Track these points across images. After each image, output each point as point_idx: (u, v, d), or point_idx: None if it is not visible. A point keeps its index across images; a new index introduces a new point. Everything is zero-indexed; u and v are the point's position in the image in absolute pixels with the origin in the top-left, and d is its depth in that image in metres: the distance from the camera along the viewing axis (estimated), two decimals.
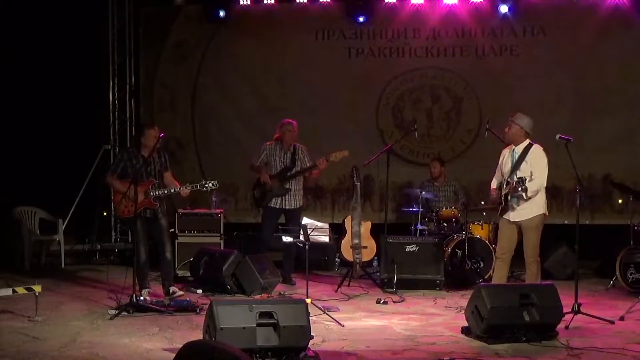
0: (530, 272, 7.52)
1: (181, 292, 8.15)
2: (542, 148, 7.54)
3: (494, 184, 7.79)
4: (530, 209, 7.41)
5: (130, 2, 11.16)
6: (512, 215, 7.48)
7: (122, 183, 7.94)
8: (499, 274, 7.60)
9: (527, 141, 7.52)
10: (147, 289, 8.06)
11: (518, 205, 7.41)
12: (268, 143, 9.02)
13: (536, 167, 7.39)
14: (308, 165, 8.91)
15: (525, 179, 7.15)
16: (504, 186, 7.48)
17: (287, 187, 8.89)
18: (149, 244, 8.19)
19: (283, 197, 8.89)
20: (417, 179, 10.54)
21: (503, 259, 7.60)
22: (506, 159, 7.62)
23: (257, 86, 11.19)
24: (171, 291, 8.08)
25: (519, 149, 7.50)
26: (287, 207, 8.91)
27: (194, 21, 11.27)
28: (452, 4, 10.76)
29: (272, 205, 8.92)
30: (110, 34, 11.12)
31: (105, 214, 11.13)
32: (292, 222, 8.73)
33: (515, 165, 7.45)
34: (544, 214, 7.51)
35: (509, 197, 7.42)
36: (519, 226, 7.50)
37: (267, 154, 8.97)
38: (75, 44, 10.64)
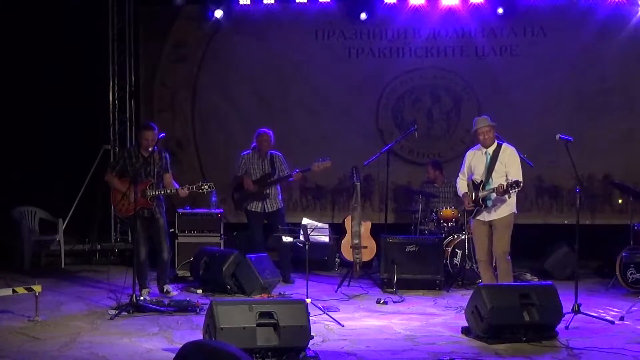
0: (502, 269, 7.44)
1: (175, 292, 8.26)
2: (513, 146, 7.53)
3: (462, 187, 7.72)
4: (504, 207, 7.42)
5: (130, 2, 11.15)
6: (487, 215, 7.48)
7: (121, 182, 8.01)
8: (487, 276, 7.56)
9: (496, 141, 7.53)
10: (147, 289, 8.09)
11: (493, 206, 7.41)
12: (245, 153, 9.19)
13: (512, 167, 7.39)
14: (286, 172, 9.09)
15: (520, 182, 7.14)
16: (480, 189, 7.43)
17: (267, 192, 9.05)
18: (149, 244, 8.22)
19: (263, 202, 9.06)
20: (417, 179, 10.54)
21: (485, 260, 7.57)
22: (476, 160, 7.58)
23: (257, 86, 11.18)
24: (165, 289, 8.20)
25: (491, 150, 7.49)
26: (268, 211, 9.11)
27: (194, 21, 11.26)
28: (452, 5, 10.73)
29: (253, 210, 9.11)
30: (110, 34, 11.12)
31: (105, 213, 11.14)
32: (276, 222, 8.90)
33: (490, 167, 7.43)
34: (514, 213, 7.51)
35: (486, 200, 7.41)
36: (490, 225, 7.49)
37: (245, 163, 9.15)
38: (76, 44, 10.63)
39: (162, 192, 8.05)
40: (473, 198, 7.51)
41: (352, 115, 11.07)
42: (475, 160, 7.60)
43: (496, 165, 7.42)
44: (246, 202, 9.12)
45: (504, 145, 7.51)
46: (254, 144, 9.15)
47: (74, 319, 7.12)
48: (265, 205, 9.08)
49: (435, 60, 11.01)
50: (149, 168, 8.03)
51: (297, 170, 9.02)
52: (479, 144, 7.58)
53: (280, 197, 9.20)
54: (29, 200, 10.31)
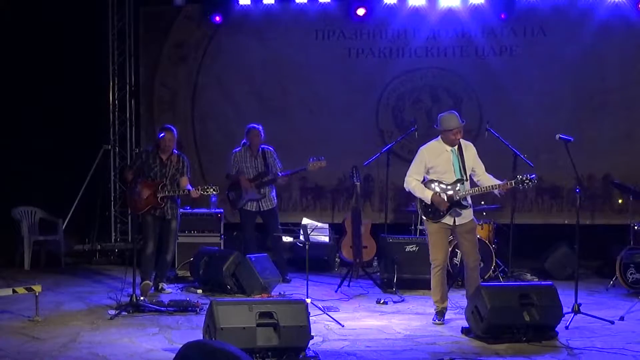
0: (475, 278, 7.04)
1: (169, 290, 8.41)
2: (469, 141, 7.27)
3: (420, 188, 7.06)
4: (470, 210, 7.06)
5: (130, 2, 11.15)
6: (457, 219, 6.98)
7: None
8: (442, 286, 7.09)
9: None
10: (148, 282, 8.17)
11: (466, 209, 6.98)
12: (236, 150, 9.19)
13: (479, 164, 7.09)
14: (278, 170, 9.01)
15: (535, 178, 6.83)
16: (456, 187, 6.94)
17: (262, 192, 9.04)
18: (157, 242, 8.36)
19: (258, 201, 9.04)
20: None
21: (444, 267, 7.14)
22: (439, 159, 7.05)
23: (257, 86, 11.18)
24: (160, 287, 8.35)
25: (455, 147, 7.07)
26: (263, 209, 9.10)
27: (194, 21, 11.26)
28: (452, 5, 10.72)
29: (248, 209, 9.10)
30: (110, 34, 11.11)
31: (106, 213, 11.14)
32: (270, 221, 8.98)
33: (462, 165, 7.00)
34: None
35: (463, 201, 6.93)
36: (452, 230, 7.07)
37: (237, 161, 9.13)
38: (76, 44, 10.63)
39: (172, 193, 8.17)
40: (447, 199, 6.94)
41: (352, 115, 11.06)
42: (438, 158, 7.05)
43: (466, 162, 7.00)
44: (242, 201, 9.10)
45: (464, 142, 7.13)
46: (244, 140, 9.15)
47: (74, 319, 7.13)
48: (260, 204, 9.08)
49: (435, 60, 11.00)
50: (164, 170, 8.23)
51: (281, 174, 8.93)
52: (439, 140, 7.12)
53: (273, 194, 9.17)
54: (29, 200, 10.31)
